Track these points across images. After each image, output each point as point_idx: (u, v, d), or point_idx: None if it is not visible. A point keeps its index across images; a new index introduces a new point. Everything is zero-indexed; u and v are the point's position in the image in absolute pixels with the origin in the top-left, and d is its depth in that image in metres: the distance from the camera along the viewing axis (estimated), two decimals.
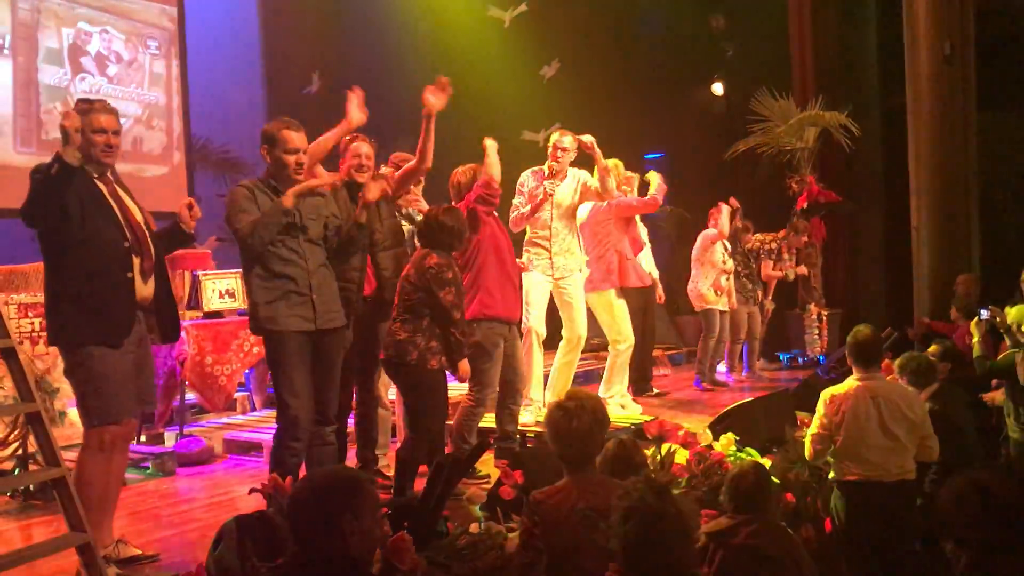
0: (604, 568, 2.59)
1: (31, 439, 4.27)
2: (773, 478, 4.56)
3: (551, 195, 5.72)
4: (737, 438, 4.59)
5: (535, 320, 5.69)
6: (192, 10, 10.93)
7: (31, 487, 4.50)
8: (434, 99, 4.60)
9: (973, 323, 5.33)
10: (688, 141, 10.65)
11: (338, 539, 2.13)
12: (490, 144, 4.98)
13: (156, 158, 10.47)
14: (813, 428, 4.38)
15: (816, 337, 8.30)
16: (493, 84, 10.73)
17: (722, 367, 7.92)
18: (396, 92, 10.96)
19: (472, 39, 10.69)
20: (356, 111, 4.45)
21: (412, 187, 5.05)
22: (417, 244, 4.43)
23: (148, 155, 10.42)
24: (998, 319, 5.00)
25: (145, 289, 3.52)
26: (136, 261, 3.46)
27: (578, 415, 2.83)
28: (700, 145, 10.15)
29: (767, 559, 3.28)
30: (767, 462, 4.49)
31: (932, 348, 5.58)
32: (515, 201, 5.80)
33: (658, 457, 4.14)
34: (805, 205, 8.34)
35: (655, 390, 7.22)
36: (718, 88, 9.94)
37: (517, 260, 5.37)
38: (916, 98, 8.19)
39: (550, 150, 5.84)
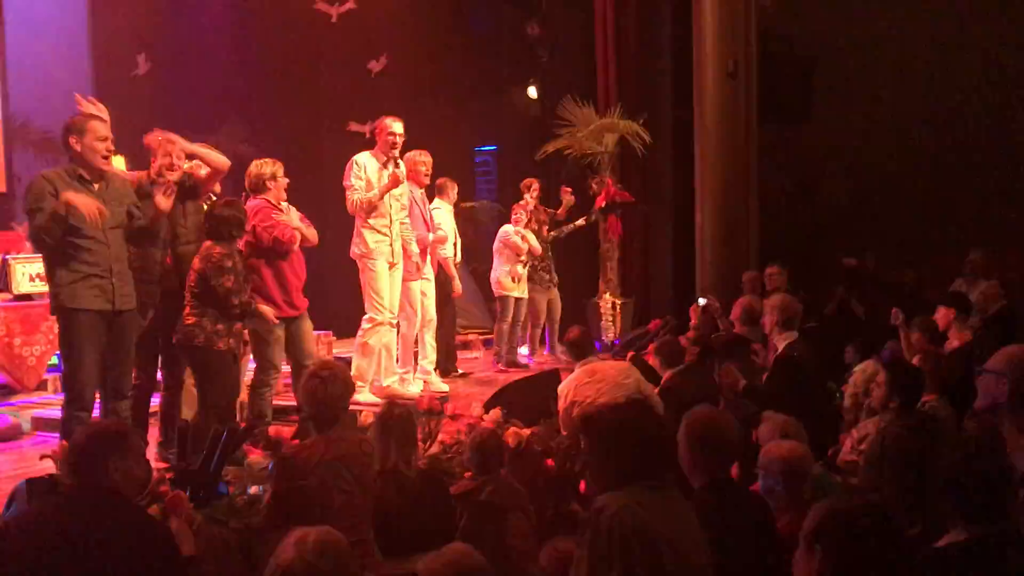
0: (350, 505, 3.15)
1: None
2: (536, 446, 5.26)
3: (402, 180, 6.11)
4: (505, 411, 5.22)
5: (393, 310, 6.15)
6: None
7: None
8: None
9: (692, 307, 6.19)
10: (510, 139, 11.34)
11: (104, 475, 2.62)
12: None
13: None
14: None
15: (611, 323, 9.12)
16: (321, 76, 11.06)
17: (524, 350, 8.61)
18: (221, 78, 11.16)
19: (299, 31, 10.96)
20: None
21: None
22: None
23: None
24: (713, 306, 5.86)
25: None
26: None
27: (332, 381, 3.34)
28: (521, 143, 10.82)
29: (503, 510, 3.91)
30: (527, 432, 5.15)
31: (688, 333, 6.42)
32: (357, 184, 5.99)
33: (427, 428, 4.72)
34: (603, 204, 9.13)
35: (460, 371, 7.82)
36: (533, 91, 10.62)
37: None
38: (701, 110, 9.09)
39: (390, 137, 6.06)
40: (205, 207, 5.17)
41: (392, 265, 6.17)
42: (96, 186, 4.21)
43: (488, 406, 5.35)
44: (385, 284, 6.09)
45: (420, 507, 3.51)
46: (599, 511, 2.38)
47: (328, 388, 3.36)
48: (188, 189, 4.93)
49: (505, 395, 5.54)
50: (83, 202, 4.00)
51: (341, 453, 3.24)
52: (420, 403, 4.89)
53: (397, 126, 6.10)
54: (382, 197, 6.02)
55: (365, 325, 6.08)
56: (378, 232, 6.09)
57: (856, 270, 9.23)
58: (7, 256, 6.42)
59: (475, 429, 4.31)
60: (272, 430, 4.93)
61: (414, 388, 6.57)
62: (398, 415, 3.71)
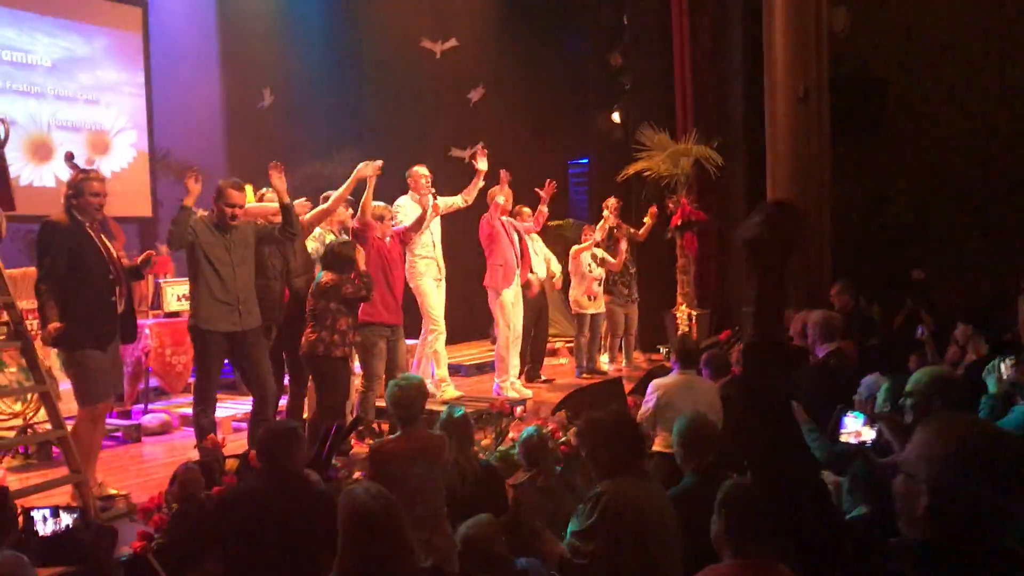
0: (423, 487, 4.04)
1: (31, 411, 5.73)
2: None
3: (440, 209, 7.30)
4: (569, 414, 6.06)
5: (437, 316, 7.20)
6: (155, 34, 12.18)
7: (29, 449, 5.90)
8: (369, 170, 6.15)
9: None
10: (599, 157, 12.18)
11: (291, 459, 3.63)
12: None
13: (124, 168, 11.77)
14: (642, 407, 5.80)
15: (687, 333, 9.82)
16: (425, 106, 12.13)
17: (605, 358, 9.41)
18: (338, 109, 12.37)
19: (407, 66, 12.07)
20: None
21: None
22: None
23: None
24: None
25: (120, 307, 4.93)
26: (117, 289, 4.87)
27: (408, 390, 4.27)
28: (608, 162, 11.62)
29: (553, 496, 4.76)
30: None
31: (739, 345, 7.11)
32: (404, 219, 7.02)
33: (499, 427, 5.62)
34: (679, 222, 9.85)
35: (543, 377, 8.71)
36: (616, 117, 11.42)
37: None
38: (774, 133, 9.64)
39: (422, 180, 7.18)
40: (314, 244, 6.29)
41: (438, 281, 7.34)
42: (226, 235, 5.32)
43: (555, 410, 6.20)
44: (435, 300, 7.25)
45: (479, 492, 4.38)
46: (599, 494, 3.22)
47: (405, 394, 4.29)
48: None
49: (571, 400, 6.38)
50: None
51: (418, 446, 4.16)
52: (493, 406, 5.79)
53: (424, 169, 7.28)
54: (428, 223, 7.11)
55: (429, 337, 7.22)
56: (424, 257, 7.25)
57: (924, 283, 9.66)
58: (159, 280, 7.62)
59: (525, 432, 5.16)
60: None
61: (511, 393, 7.47)
62: (457, 418, 4.62)
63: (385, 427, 5.95)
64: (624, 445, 3.35)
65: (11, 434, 5.95)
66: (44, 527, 2.94)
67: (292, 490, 3.58)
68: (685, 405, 5.54)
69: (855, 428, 3.77)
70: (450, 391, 7.08)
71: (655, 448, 5.70)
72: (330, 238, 6.39)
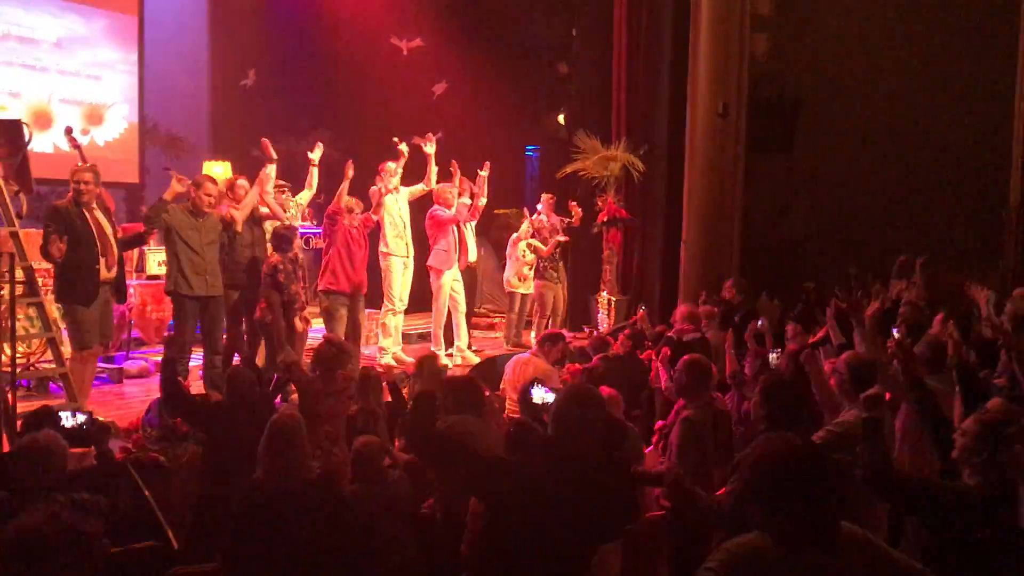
0: (332, 415, 5.36)
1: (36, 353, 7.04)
2: (495, 404, 7.41)
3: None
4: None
5: (393, 296, 8.53)
6: (149, 16, 13.27)
7: (30, 384, 7.20)
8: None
9: (638, 315, 8.24)
10: (547, 151, 13.49)
11: (253, 392, 4.95)
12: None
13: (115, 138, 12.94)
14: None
15: (605, 316, 11.20)
16: (392, 96, 13.36)
17: (533, 335, 10.74)
18: (314, 93, 13.59)
19: (376, 60, 13.29)
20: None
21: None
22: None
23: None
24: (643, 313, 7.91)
25: (108, 273, 6.22)
26: (102, 259, 6.14)
27: (331, 353, 5.59)
28: (554, 159, 12.92)
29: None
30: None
31: (625, 331, 8.46)
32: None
33: (413, 386, 6.95)
34: (605, 219, 11.19)
35: (474, 347, 10.04)
36: (561, 119, 12.72)
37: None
38: (692, 144, 10.91)
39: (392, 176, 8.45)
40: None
41: (405, 261, 8.60)
42: (199, 220, 6.63)
43: (472, 373, 7.56)
44: (398, 280, 8.50)
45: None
46: (442, 425, 4.57)
47: (328, 353, 5.61)
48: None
49: (480, 368, 7.76)
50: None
51: (333, 390, 5.51)
52: (409, 368, 7.15)
53: (392, 165, 8.53)
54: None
55: (383, 312, 8.59)
56: (396, 237, 8.52)
57: (815, 290, 11.06)
58: (143, 247, 8.90)
59: None
60: None
61: (446, 361, 8.78)
62: (373, 375, 5.97)
63: None
64: (463, 395, 4.71)
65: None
66: (66, 421, 4.27)
67: (256, 415, 4.82)
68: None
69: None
70: (386, 358, 8.45)
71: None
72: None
